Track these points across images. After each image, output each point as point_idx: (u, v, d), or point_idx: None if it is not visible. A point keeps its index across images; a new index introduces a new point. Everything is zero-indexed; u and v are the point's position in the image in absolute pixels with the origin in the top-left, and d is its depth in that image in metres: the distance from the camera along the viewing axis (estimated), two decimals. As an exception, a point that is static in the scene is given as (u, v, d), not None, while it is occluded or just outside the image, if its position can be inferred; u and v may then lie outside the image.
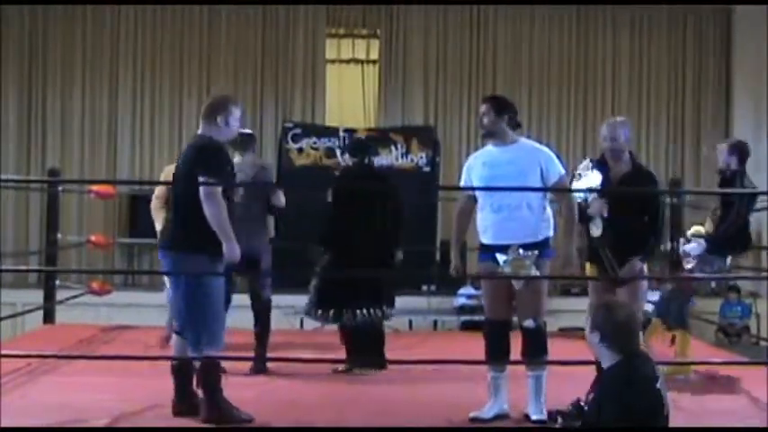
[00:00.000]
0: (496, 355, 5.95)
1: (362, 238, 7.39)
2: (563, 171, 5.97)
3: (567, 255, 5.89)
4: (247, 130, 8.06)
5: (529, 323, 5.88)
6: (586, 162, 6.13)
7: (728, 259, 7.28)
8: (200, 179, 5.46)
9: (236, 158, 7.55)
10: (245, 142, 7.69)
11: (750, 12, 14.02)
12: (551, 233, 5.96)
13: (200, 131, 5.77)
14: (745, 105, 14.33)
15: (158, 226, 7.39)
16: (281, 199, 7.55)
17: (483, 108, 6.06)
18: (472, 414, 5.93)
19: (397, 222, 7.63)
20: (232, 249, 5.48)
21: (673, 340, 7.25)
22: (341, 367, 7.42)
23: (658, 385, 4.24)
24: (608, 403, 4.14)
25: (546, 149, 6.05)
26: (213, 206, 5.44)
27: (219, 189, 5.48)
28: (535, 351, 5.88)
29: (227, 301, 6.32)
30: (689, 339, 7.30)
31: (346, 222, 7.40)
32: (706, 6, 14.60)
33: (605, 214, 5.99)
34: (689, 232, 7.57)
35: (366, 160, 7.71)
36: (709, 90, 14.70)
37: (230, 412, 5.62)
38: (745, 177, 7.19)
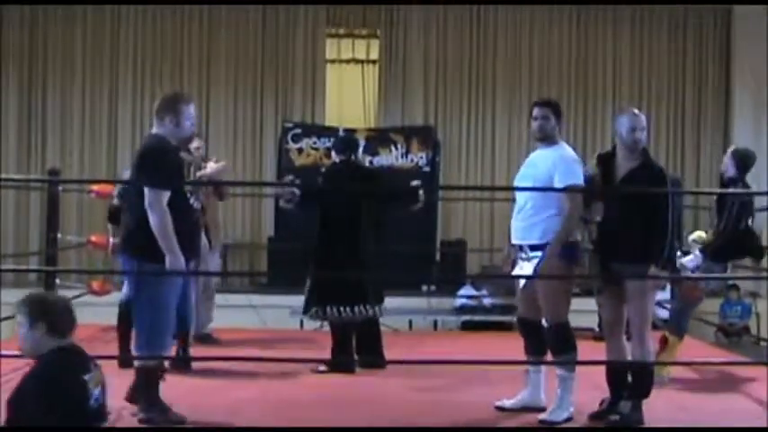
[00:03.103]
0: (526, 350, 6.07)
1: (350, 237, 7.36)
2: (576, 180, 5.83)
3: (549, 254, 5.79)
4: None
5: (543, 323, 5.93)
6: (593, 162, 5.95)
7: (729, 266, 7.12)
8: (145, 189, 5.41)
9: None
10: None
11: (750, 12, 14.03)
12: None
13: (153, 130, 5.72)
14: (745, 105, 14.34)
15: None
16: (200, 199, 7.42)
17: (541, 112, 6.01)
18: (498, 403, 6.07)
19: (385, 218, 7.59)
20: (174, 260, 5.42)
21: (664, 341, 7.16)
22: (321, 367, 7.39)
23: (87, 377, 3.95)
24: (35, 392, 3.86)
25: (568, 155, 5.97)
26: (155, 216, 5.40)
27: (163, 198, 5.41)
28: (552, 350, 5.92)
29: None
30: (677, 345, 7.19)
31: (332, 219, 7.39)
32: (706, 6, 14.60)
33: (598, 218, 5.81)
34: (691, 237, 7.48)
35: (353, 157, 7.68)
36: (709, 90, 14.70)
37: (165, 413, 5.62)
38: (739, 185, 6.94)
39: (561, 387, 5.83)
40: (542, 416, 5.86)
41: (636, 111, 5.92)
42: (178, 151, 5.77)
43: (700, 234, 7.38)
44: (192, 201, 5.76)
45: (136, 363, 5.65)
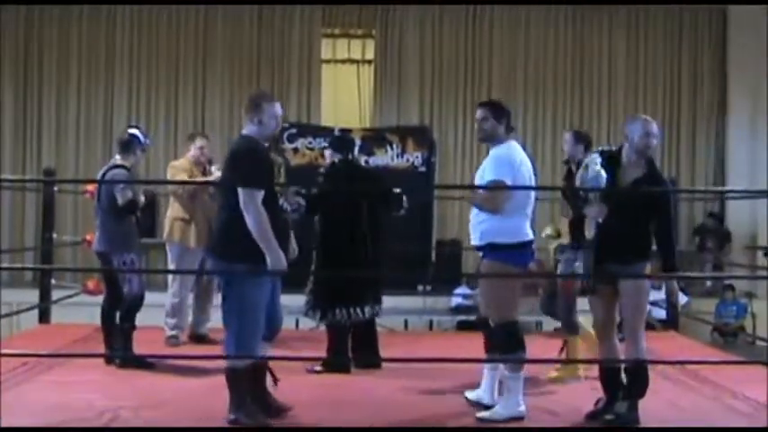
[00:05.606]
0: (487, 349, 6.21)
1: (351, 236, 7.36)
2: (496, 177, 5.91)
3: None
4: (132, 131, 7.67)
5: (490, 322, 6.08)
6: (595, 156, 5.84)
7: (578, 252, 6.92)
8: (239, 190, 5.38)
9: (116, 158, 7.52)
10: (126, 144, 7.46)
11: (745, 10, 14.05)
12: (502, 239, 5.97)
13: (243, 131, 5.73)
14: (741, 103, 14.37)
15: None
16: (125, 195, 7.26)
17: (480, 113, 6.12)
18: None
19: (384, 217, 7.60)
20: (276, 259, 5.39)
21: (563, 346, 7.17)
22: (317, 367, 7.39)
23: None
24: None
25: (499, 155, 6.02)
26: (251, 215, 5.34)
27: (258, 197, 5.36)
28: (498, 349, 5.99)
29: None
30: (577, 343, 7.18)
31: (334, 220, 7.39)
32: (702, 6, 14.63)
33: (600, 219, 5.74)
34: (543, 233, 7.50)
35: (350, 156, 7.68)
36: (705, 88, 14.73)
37: (254, 414, 5.62)
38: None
39: (506, 387, 5.90)
40: (482, 413, 5.91)
41: (648, 117, 5.92)
42: (268, 151, 5.78)
43: (548, 230, 7.49)
44: (281, 202, 5.75)
45: (225, 364, 5.63)
